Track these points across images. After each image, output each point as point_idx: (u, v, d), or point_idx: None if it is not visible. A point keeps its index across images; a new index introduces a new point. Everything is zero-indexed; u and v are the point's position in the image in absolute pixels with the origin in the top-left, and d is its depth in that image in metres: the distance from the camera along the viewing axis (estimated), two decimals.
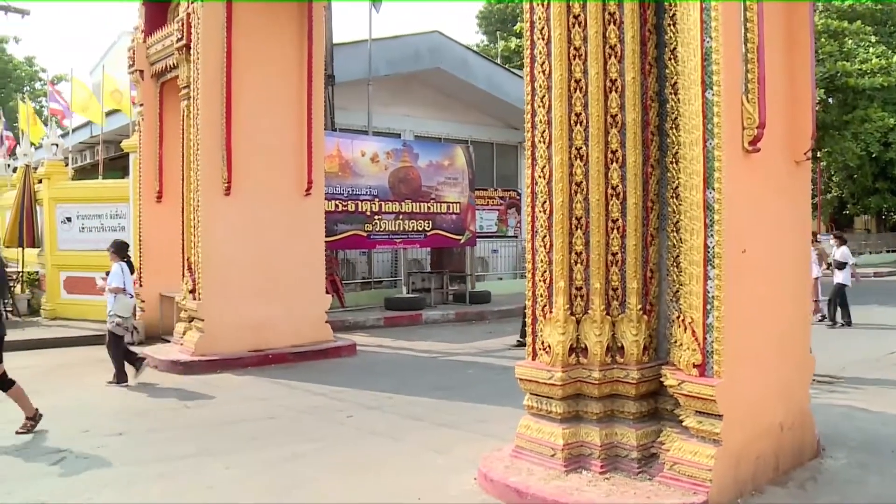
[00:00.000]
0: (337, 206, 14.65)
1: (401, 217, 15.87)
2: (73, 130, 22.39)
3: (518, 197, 21.28)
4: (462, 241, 17.11)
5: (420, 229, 16.30)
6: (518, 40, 32.02)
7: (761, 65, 4.83)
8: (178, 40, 10.71)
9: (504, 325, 14.35)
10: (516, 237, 21.06)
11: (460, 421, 7.13)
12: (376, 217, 15.49)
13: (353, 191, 15.12)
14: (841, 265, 14.07)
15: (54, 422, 7.15)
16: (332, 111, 15.75)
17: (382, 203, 15.58)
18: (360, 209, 15.20)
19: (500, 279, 20.02)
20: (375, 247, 16.10)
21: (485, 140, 21.40)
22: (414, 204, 16.13)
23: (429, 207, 16.43)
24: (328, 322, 11.47)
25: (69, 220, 14.20)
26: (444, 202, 16.73)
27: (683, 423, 4.93)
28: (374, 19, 16.94)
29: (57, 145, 15.11)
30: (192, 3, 10.41)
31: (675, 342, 5.08)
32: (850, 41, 26.34)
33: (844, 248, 14.35)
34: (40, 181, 14.80)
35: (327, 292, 11.89)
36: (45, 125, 19.70)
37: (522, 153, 20.71)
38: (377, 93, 17.51)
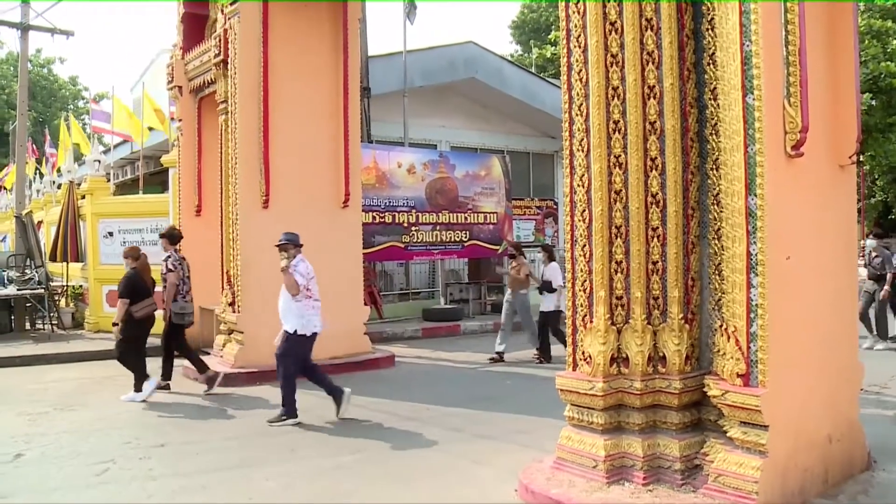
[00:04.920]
0: (374, 217, 14.70)
1: (438, 228, 15.87)
2: (114, 147, 22.80)
3: (555, 206, 21.14)
4: (499, 251, 17.05)
5: (457, 240, 16.28)
6: (553, 49, 31.89)
7: (803, 67, 4.73)
8: (216, 56, 10.86)
9: None
10: (554, 247, 20.91)
11: (500, 432, 7.09)
12: (413, 228, 15.51)
13: (390, 202, 15.16)
14: (548, 287, 11.17)
15: (97, 434, 7.27)
16: (368, 123, 15.82)
17: (419, 214, 15.60)
18: (397, 220, 15.24)
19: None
20: (413, 258, 16.11)
21: (521, 150, 21.32)
22: (451, 215, 16.13)
23: (466, 218, 16.42)
24: (366, 333, 11.49)
25: (111, 234, 14.44)
26: (480, 212, 16.70)
27: (728, 434, 4.83)
28: (408, 32, 17.01)
29: (99, 161, 15.39)
30: (229, 19, 10.54)
31: (718, 351, 4.98)
32: (895, 42, 25.74)
33: (554, 265, 11.38)
34: (83, 197, 15.08)
35: (365, 304, 11.92)
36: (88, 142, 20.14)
37: (559, 162, 20.61)
38: (413, 104, 17.56)
